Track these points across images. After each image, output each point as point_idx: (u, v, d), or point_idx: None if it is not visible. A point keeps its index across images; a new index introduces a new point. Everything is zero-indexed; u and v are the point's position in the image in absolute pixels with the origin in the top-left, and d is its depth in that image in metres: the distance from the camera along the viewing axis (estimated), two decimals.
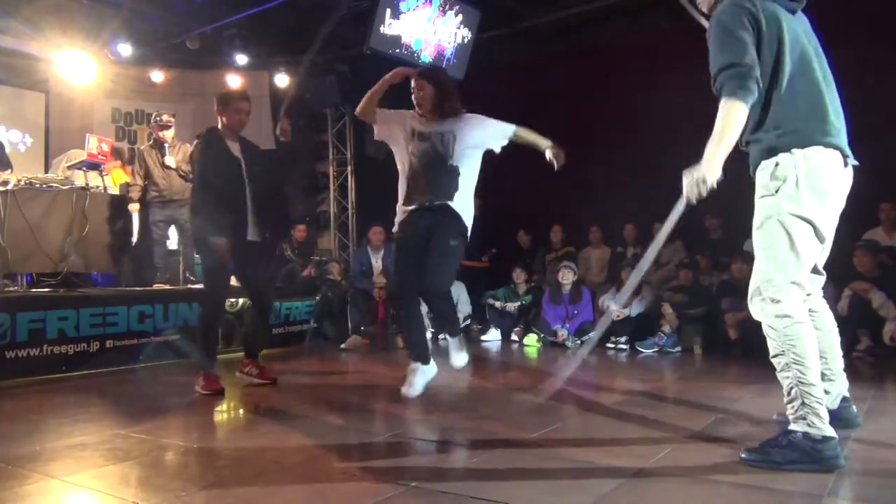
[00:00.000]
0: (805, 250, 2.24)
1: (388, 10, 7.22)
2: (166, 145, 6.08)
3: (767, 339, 2.30)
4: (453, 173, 3.44)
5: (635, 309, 6.05)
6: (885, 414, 3.10)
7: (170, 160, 6.04)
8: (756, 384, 3.98)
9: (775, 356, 2.27)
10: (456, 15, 7.90)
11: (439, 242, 3.39)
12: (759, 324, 2.34)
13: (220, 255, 3.74)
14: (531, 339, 6.37)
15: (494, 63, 8.50)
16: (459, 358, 3.58)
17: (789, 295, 2.23)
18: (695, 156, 2.21)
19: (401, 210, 3.56)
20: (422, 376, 3.44)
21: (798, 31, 2.31)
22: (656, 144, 7.22)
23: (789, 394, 2.23)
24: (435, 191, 3.43)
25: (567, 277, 6.36)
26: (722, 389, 3.86)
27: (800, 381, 2.19)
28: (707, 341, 5.69)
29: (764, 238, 2.28)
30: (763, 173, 2.29)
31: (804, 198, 2.20)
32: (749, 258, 6.64)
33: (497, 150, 3.59)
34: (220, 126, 3.96)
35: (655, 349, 5.69)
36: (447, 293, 3.57)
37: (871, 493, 2.03)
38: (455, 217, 3.43)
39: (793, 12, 2.34)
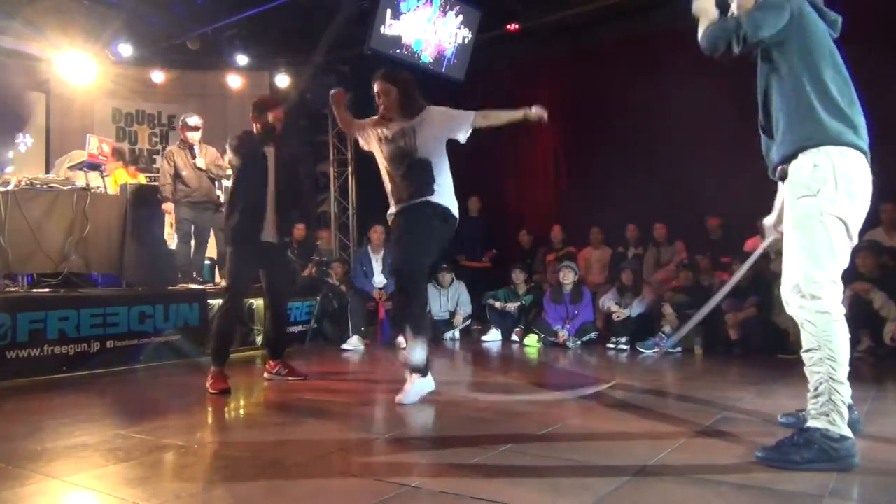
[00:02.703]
0: (841, 249, 2.32)
1: (389, 11, 7.22)
2: (196, 147, 6.10)
3: (802, 334, 2.34)
4: (424, 166, 3.44)
5: (636, 309, 6.05)
6: (885, 415, 3.10)
7: (200, 162, 6.08)
8: (757, 384, 3.99)
9: (808, 350, 2.32)
10: (456, 15, 7.90)
11: (416, 226, 3.43)
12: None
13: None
14: (531, 340, 6.37)
15: (494, 63, 8.50)
16: (413, 355, 3.35)
17: (830, 292, 2.29)
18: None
19: (390, 211, 3.62)
20: (420, 387, 3.38)
21: (831, 42, 2.43)
22: (657, 145, 7.22)
23: (816, 389, 2.27)
24: (411, 189, 3.44)
25: (568, 277, 6.36)
26: (723, 389, 3.86)
27: (831, 377, 2.23)
28: (707, 342, 5.68)
29: (803, 237, 2.33)
30: (801, 172, 2.34)
31: (841, 199, 2.29)
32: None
33: (462, 139, 3.54)
34: (254, 131, 4.03)
35: (656, 349, 5.68)
36: (416, 281, 3.40)
37: (872, 494, 2.04)
38: (435, 207, 3.43)
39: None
